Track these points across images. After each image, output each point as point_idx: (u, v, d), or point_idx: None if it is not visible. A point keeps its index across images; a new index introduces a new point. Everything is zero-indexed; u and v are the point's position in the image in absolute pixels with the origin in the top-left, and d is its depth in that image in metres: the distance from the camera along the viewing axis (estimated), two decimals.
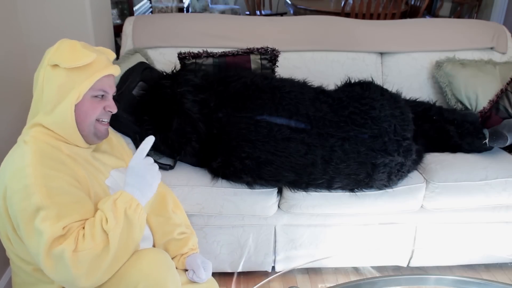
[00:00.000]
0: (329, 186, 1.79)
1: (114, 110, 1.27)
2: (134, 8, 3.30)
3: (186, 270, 1.43)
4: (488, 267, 2.19)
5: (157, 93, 1.85)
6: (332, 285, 1.87)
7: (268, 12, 5.59)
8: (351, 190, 1.82)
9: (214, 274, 1.46)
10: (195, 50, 2.13)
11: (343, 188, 1.81)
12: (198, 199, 1.79)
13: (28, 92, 2.01)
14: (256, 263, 2.01)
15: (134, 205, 1.16)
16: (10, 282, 1.80)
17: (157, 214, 1.46)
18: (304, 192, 1.80)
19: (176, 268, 1.42)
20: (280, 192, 1.86)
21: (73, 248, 1.07)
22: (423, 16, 4.88)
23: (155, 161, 1.80)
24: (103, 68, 1.21)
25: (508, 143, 1.93)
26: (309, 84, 2.02)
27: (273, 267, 2.05)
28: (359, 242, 2.01)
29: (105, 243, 1.10)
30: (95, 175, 1.26)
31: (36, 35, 2.05)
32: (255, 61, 2.14)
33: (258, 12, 5.17)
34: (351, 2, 4.07)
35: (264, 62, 2.15)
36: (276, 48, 2.18)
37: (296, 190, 1.80)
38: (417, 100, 2.31)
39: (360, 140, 1.79)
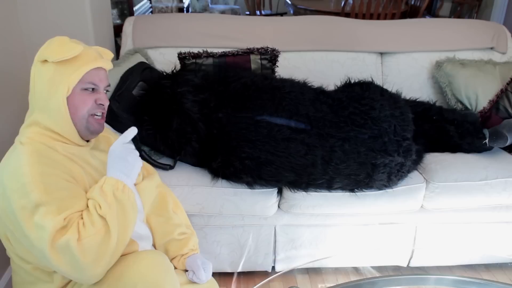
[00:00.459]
0: (329, 186, 1.79)
1: (106, 102, 1.27)
2: (134, 8, 3.29)
3: (186, 270, 1.43)
4: (488, 267, 2.19)
5: (157, 93, 1.85)
6: (332, 285, 1.87)
7: (268, 12, 5.59)
8: (351, 190, 1.82)
9: (214, 274, 1.46)
10: (195, 50, 2.13)
11: (343, 188, 1.81)
12: (198, 199, 1.79)
13: (28, 92, 2.01)
14: (256, 263, 2.01)
15: (121, 187, 1.18)
16: (11, 281, 1.80)
17: (157, 214, 1.46)
18: (304, 192, 1.80)
19: (176, 268, 1.43)
20: (280, 192, 1.86)
21: (77, 237, 1.08)
22: (423, 16, 4.87)
23: (156, 161, 1.82)
24: (91, 61, 1.22)
25: (508, 143, 1.92)
26: (309, 84, 2.02)
27: (273, 267, 2.05)
28: (359, 242, 2.01)
29: (106, 227, 1.12)
30: (92, 173, 1.26)
31: (36, 35, 2.05)
32: (255, 61, 2.14)
33: (258, 12, 5.17)
34: (351, 2, 4.07)
35: (264, 62, 2.15)
36: (276, 48, 2.18)
37: (296, 190, 1.80)
38: (417, 100, 2.31)
39: (360, 140, 1.79)
